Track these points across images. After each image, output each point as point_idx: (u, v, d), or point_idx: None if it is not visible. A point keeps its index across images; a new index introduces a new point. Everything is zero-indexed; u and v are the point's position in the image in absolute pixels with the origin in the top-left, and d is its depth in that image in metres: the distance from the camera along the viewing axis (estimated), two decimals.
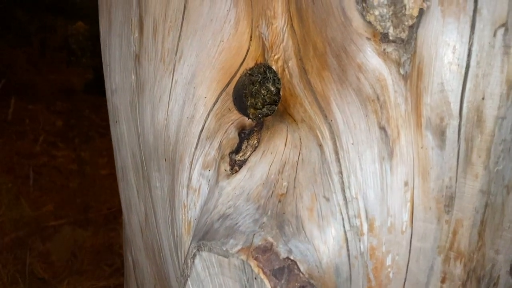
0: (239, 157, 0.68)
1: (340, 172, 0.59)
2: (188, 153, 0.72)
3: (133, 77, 0.82)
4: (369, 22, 0.54)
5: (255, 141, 0.67)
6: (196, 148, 0.72)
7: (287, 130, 0.65)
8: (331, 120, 0.60)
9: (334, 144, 0.60)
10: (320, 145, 0.61)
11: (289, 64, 0.65)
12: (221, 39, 0.71)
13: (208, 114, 0.71)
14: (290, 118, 0.65)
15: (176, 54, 0.74)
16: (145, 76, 0.79)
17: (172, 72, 0.75)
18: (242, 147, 0.69)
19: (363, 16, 0.54)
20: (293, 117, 0.64)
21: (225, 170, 0.68)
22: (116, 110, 0.88)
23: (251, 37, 0.71)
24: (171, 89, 0.75)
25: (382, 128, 0.56)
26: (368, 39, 0.55)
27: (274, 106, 0.72)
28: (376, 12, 0.52)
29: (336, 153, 0.60)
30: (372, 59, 0.56)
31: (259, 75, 0.73)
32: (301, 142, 0.63)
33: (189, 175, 0.72)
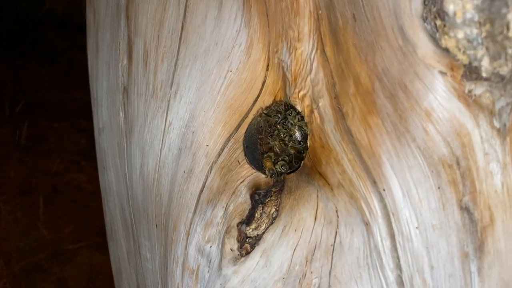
0: (250, 230, 0.49)
1: (399, 268, 0.40)
2: (184, 220, 0.54)
3: (121, 114, 0.65)
4: (446, 49, 0.35)
5: (273, 209, 0.49)
6: (194, 213, 0.54)
7: (317, 197, 0.46)
8: (383, 189, 0.41)
9: (389, 224, 0.41)
10: (367, 224, 0.42)
11: (320, 104, 0.46)
12: (228, 68, 0.53)
13: (211, 168, 0.53)
14: (321, 180, 0.46)
15: (171, 88, 0.57)
16: (134, 115, 0.62)
17: (165, 110, 0.57)
18: (256, 216, 0.50)
19: (436, 40, 0.35)
20: (326, 178, 0.45)
21: (232, 249, 0.49)
22: (104, 154, 0.71)
23: (268, 66, 0.52)
24: (164, 133, 0.57)
25: (465, 209, 0.37)
26: (443, 73, 0.36)
27: (299, 159, 0.53)
28: (460, 34, 0.33)
29: (392, 237, 0.40)
30: (448, 104, 0.36)
31: (279, 116, 0.54)
32: (338, 217, 0.44)
33: (185, 249, 0.54)
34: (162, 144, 0.57)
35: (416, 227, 0.39)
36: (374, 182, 0.42)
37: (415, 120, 0.39)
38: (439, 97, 0.37)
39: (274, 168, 0.53)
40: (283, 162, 0.53)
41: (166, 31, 0.58)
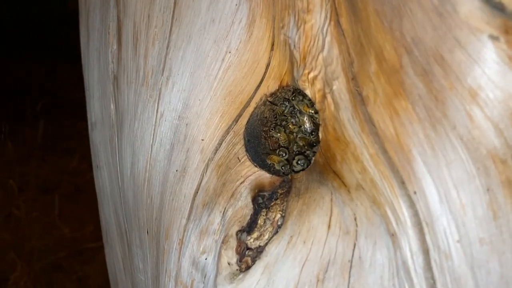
0: (252, 240, 0.41)
1: None
2: (177, 227, 0.46)
3: (112, 106, 0.58)
4: (499, 5, 0.26)
5: (278, 215, 0.40)
6: (188, 219, 0.46)
7: (331, 201, 0.37)
8: (414, 192, 0.32)
9: (421, 236, 0.32)
10: (393, 235, 0.33)
11: (334, 88, 0.37)
12: (227, 49, 0.45)
13: (206, 166, 0.45)
14: (336, 180, 0.37)
15: (162, 74, 0.49)
16: (124, 106, 0.54)
17: (156, 100, 0.49)
18: (258, 223, 0.42)
19: None
20: (342, 178, 0.37)
21: (229, 263, 0.41)
22: (97, 151, 0.64)
23: (272, 45, 0.44)
24: (155, 126, 0.49)
25: None
26: (494, 38, 0.27)
27: (309, 154, 0.44)
28: None
29: (426, 253, 0.32)
30: (502, 80, 0.27)
31: (286, 104, 0.46)
32: (357, 226, 0.35)
33: (178, 261, 0.46)
34: (153, 139, 0.49)
35: (458, 241, 0.30)
36: (402, 183, 0.33)
37: (456, 103, 0.30)
38: (488, 70, 0.28)
39: (280, 165, 0.45)
40: (300, 156, 0.44)
41: (157, 9, 0.51)
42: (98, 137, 0.63)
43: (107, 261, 0.68)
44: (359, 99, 0.36)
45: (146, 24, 0.52)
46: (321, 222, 0.37)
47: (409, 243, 0.33)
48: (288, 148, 0.46)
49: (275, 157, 0.45)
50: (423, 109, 0.31)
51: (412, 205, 0.33)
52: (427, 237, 0.32)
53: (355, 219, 0.36)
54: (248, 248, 0.40)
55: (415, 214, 0.33)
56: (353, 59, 0.37)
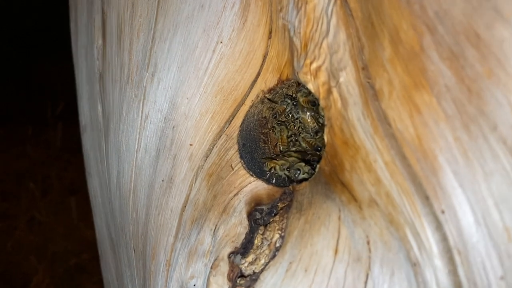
0: (246, 264, 0.34)
1: None
2: (164, 245, 0.40)
3: (99, 108, 0.52)
4: None
5: (276, 235, 0.34)
6: (175, 237, 0.39)
7: (339, 220, 0.30)
8: (442, 211, 0.24)
9: (452, 268, 0.24)
10: (415, 265, 0.26)
11: (341, 80, 0.30)
12: (218, 38, 0.38)
13: (196, 176, 0.39)
14: (345, 193, 0.30)
15: (147, 69, 0.43)
16: (110, 108, 0.48)
17: (141, 100, 0.43)
18: (255, 243, 0.35)
19: None
20: (352, 191, 0.30)
21: None
22: (88, 157, 0.59)
23: (270, 32, 0.37)
24: (139, 129, 0.43)
25: None
26: None
27: (313, 161, 0.37)
28: None
29: (458, 287, 0.24)
30: None
31: (288, 101, 0.39)
32: (370, 251, 0.28)
33: (166, 285, 0.40)
34: (138, 144, 0.43)
35: (501, 278, 0.23)
36: (426, 199, 0.26)
37: (497, 95, 0.22)
38: None
39: (281, 174, 0.38)
40: (302, 164, 0.38)
41: None
42: (88, 141, 0.57)
43: (103, 276, 0.63)
44: (371, 93, 0.29)
45: (130, 14, 0.45)
46: (326, 245, 0.30)
47: (436, 277, 0.25)
48: (289, 151, 0.39)
49: (273, 164, 0.38)
50: (451, 104, 0.24)
51: (439, 227, 0.25)
52: (460, 270, 0.24)
53: (368, 242, 0.29)
54: (241, 276, 0.34)
55: (444, 239, 0.25)
56: (363, 44, 0.30)
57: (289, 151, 0.39)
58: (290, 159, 0.39)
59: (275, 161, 0.39)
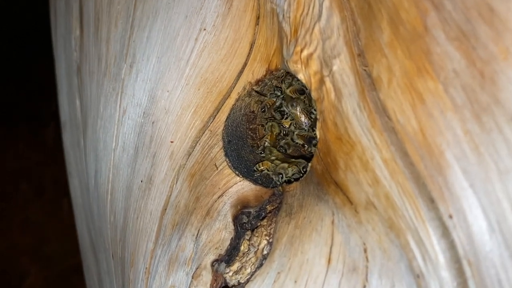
0: (231, 274, 0.31)
1: None
2: (143, 252, 0.37)
3: (77, 102, 0.48)
4: None
5: (264, 241, 0.30)
6: (155, 243, 0.36)
7: (332, 224, 0.27)
8: (450, 216, 0.21)
9: (461, 281, 0.21)
10: (419, 276, 0.23)
11: (334, 68, 0.27)
12: (201, 25, 0.35)
13: (177, 176, 0.35)
14: (339, 195, 0.27)
15: (125, 60, 0.39)
16: (88, 102, 0.45)
17: (119, 93, 0.40)
18: (241, 249, 0.32)
19: None
20: (347, 192, 0.26)
21: None
22: (68, 156, 0.55)
23: (257, 17, 0.34)
24: (117, 125, 0.40)
25: None
26: None
27: (305, 159, 0.34)
28: None
29: None
30: None
31: (277, 94, 0.36)
32: (367, 260, 0.25)
33: None
34: (115, 142, 0.40)
35: None
36: (431, 202, 0.22)
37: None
38: None
39: (270, 173, 0.34)
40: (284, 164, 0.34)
41: None
42: (68, 139, 0.54)
43: (86, 283, 0.60)
44: (368, 82, 0.26)
45: (108, 2, 0.42)
46: (318, 253, 0.27)
47: None
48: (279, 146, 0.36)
49: (263, 165, 0.35)
50: (460, 91, 0.21)
51: (446, 234, 0.22)
52: (470, 284, 0.21)
53: (365, 250, 0.25)
54: (225, 286, 0.30)
55: (451, 247, 0.22)
56: (359, 28, 0.27)
57: (273, 147, 0.36)
58: (272, 158, 0.35)
59: (267, 162, 0.36)
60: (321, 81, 0.29)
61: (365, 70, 0.26)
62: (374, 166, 0.25)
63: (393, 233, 0.24)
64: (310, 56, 0.30)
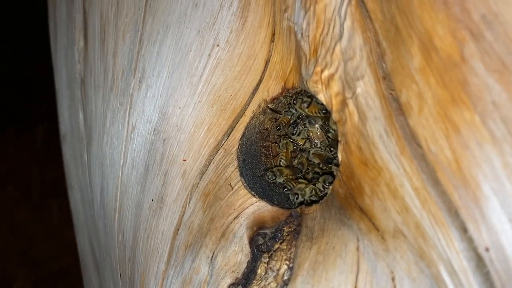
0: None
1: None
2: (154, 273, 0.36)
3: (80, 116, 0.47)
4: None
5: (284, 266, 0.30)
6: (167, 264, 0.35)
7: (358, 250, 0.26)
8: (486, 248, 0.21)
9: None
10: None
11: (358, 91, 0.27)
12: (214, 41, 0.34)
13: (190, 196, 0.35)
14: (364, 221, 0.26)
15: (134, 75, 0.38)
16: (92, 116, 0.44)
17: (127, 109, 0.39)
18: (258, 272, 0.31)
19: None
20: (373, 218, 0.26)
21: None
22: (68, 168, 0.54)
23: (273, 34, 0.33)
24: (125, 141, 0.39)
25: None
26: None
27: (326, 180, 0.33)
28: None
29: None
30: None
31: (293, 111, 0.35)
32: None
33: None
34: (123, 159, 0.39)
35: None
36: (464, 231, 0.22)
37: None
38: None
39: (287, 192, 0.34)
40: (326, 177, 0.34)
41: None
42: (68, 151, 0.52)
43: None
44: (394, 107, 0.25)
45: (115, 14, 0.41)
46: (344, 281, 0.26)
47: None
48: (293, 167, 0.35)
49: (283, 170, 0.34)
50: (500, 124, 0.20)
51: (481, 266, 0.22)
52: None
53: (393, 279, 0.25)
54: None
55: (487, 280, 0.22)
56: (384, 51, 0.26)
57: (285, 168, 0.35)
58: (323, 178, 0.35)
59: (280, 167, 0.35)
60: (343, 103, 0.29)
61: (391, 94, 0.26)
62: (403, 194, 0.24)
63: (424, 263, 0.24)
64: (331, 77, 0.29)
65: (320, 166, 0.35)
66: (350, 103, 0.28)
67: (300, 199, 0.34)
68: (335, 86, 0.29)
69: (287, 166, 0.36)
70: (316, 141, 0.35)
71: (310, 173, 0.36)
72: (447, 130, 0.22)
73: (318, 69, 0.30)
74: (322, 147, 0.34)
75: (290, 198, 0.34)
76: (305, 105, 0.33)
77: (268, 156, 0.37)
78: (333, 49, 0.29)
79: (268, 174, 0.35)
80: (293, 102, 0.35)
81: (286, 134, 0.36)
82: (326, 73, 0.29)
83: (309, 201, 0.33)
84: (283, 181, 0.35)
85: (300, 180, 0.34)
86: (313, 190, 0.34)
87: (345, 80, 0.28)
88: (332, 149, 0.33)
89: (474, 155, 0.21)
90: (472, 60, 0.21)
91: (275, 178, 0.35)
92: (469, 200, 0.22)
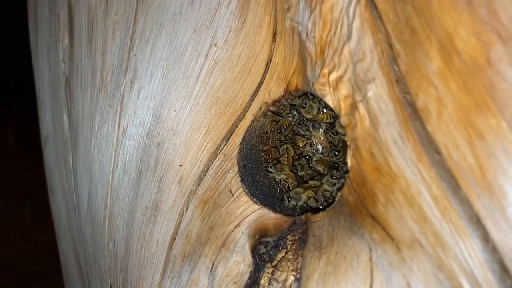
0: None
1: None
2: (149, 284, 0.34)
3: (65, 118, 0.45)
4: None
5: (291, 277, 0.28)
6: (163, 274, 0.33)
7: (370, 261, 0.25)
8: None
9: None
10: None
11: (369, 94, 0.25)
12: (212, 40, 0.33)
13: (187, 203, 0.33)
14: (377, 230, 0.25)
15: (125, 75, 0.36)
16: (79, 118, 0.41)
17: (118, 111, 0.36)
18: (260, 283, 0.29)
19: None
20: (387, 228, 0.25)
21: None
22: (51, 173, 0.51)
23: (274, 33, 0.32)
24: (116, 145, 0.37)
25: None
26: None
27: (334, 185, 0.32)
28: None
29: None
30: None
31: (294, 112, 0.34)
32: None
33: None
34: (114, 163, 0.37)
35: None
36: (486, 241, 0.21)
37: None
38: None
39: (291, 199, 0.32)
40: (334, 180, 0.32)
41: None
42: (51, 155, 0.50)
43: None
44: (409, 111, 0.24)
45: (104, 10, 0.39)
46: None
47: None
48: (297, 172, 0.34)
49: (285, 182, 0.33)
50: None
51: (504, 278, 0.21)
52: None
53: None
54: None
55: None
56: (397, 53, 0.25)
57: (286, 165, 0.34)
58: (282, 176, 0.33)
59: (282, 164, 0.34)
60: (353, 107, 0.27)
61: (405, 97, 0.25)
62: (421, 202, 0.23)
63: (443, 274, 0.23)
64: (339, 79, 0.28)
65: (324, 172, 0.33)
66: (361, 107, 0.27)
67: (293, 203, 0.32)
68: (344, 89, 0.28)
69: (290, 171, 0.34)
70: (318, 147, 0.33)
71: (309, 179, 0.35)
72: (470, 136, 0.22)
73: (326, 70, 0.29)
74: (324, 153, 0.33)
75: (285, 199, 0.33)
76: (311, 110, 0.32)
77: (268, 160, 0.35)
78: (341, 50, 0.28)
79: (268, 169, 0.34)
80: (303, 105, 0.33)
81: (285, 138, 0.35)
82: (334, 75, 0.28)
83: (306, 207, 0.31)
84: (282, 178, 0.34)
85: (304, 185, 0.33)
86: (311, 198, 0.33)
87: (355, 83, 0.27)
88: (336, 153, 0.32)
89: (500, 163, 0.21)
90: (500, 64, 0.20)
91: (273, 173, 0.34)
92: (494, 210, 0.21)
